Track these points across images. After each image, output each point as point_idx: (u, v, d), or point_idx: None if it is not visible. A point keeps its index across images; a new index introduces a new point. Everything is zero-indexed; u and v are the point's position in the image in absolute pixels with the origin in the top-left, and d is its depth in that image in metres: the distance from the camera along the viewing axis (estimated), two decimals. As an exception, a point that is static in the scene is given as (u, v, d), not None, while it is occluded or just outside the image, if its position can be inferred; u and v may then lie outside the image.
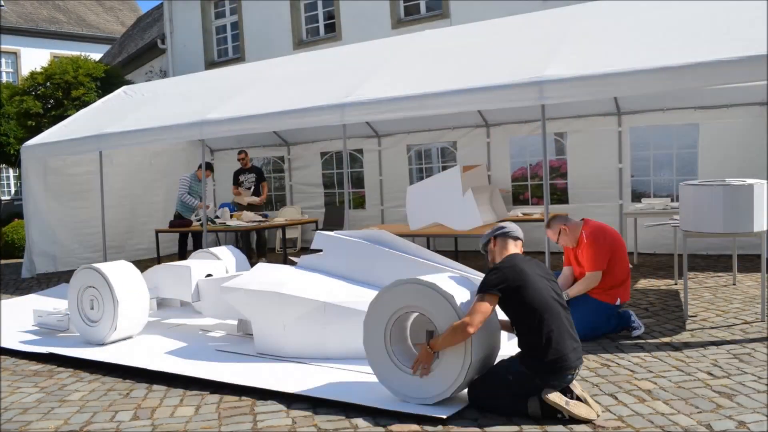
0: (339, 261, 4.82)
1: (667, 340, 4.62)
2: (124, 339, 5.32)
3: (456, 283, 3.60)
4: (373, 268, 4.66)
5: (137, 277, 5.33)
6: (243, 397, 3.86)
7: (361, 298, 4.39)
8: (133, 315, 5.22)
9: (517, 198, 9.53)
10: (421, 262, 4.51)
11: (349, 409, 3.54)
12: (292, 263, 5.14)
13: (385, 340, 3.60)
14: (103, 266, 5.28)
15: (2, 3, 24.73)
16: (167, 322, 5.92)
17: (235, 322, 5.41)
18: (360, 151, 10.61)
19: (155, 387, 4.17)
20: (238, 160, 9.97)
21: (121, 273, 5.27)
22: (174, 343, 5.16)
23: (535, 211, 8.32)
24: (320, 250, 4.95)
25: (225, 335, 5.35)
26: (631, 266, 7.64)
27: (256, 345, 4.72)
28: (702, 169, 8.21)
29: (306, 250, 8.46)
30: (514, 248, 3.69)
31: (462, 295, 3.47)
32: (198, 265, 5.85)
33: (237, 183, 9.87)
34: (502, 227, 3.78)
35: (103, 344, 5.15)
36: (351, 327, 4.34)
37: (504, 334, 3.72)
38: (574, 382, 3.37)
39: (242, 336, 5.22)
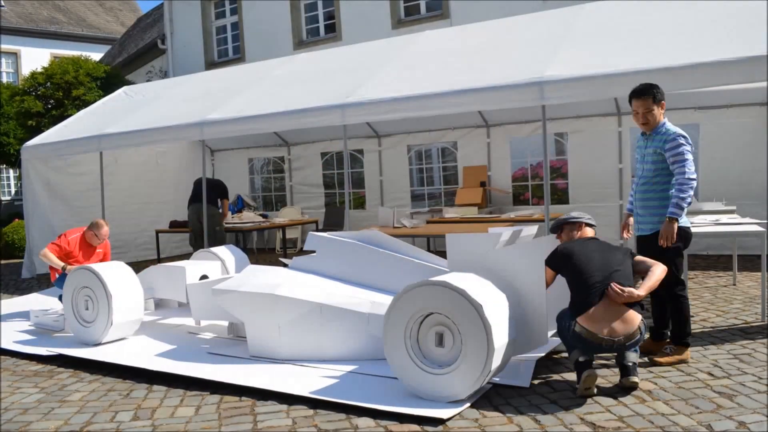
0: (332, 262, 4.80)
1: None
2: (118, 340, 5.28)
3: (483, 288, 3.58)
4: (367, 269, 4.65)
5: (131, 278, 5.29)
6: (243, 398, 3.85)
7: (358, 299, 4.38)
8: (127, 315, 5.17)
9: (518, 198, 9.53)
10: (415, 262, 4.51)
11: (349, 410, 3.53)
12: (283, 264, 5.12)
13: (405, 338, 3.62)
14: (98, 266, 5.26)
15: (2, 3, 24.73)
16: (164, 323, 5.91)
17: (224, 323, 5.35)
18: (360, 151, 10.62)
19: (155, 387, 4.17)
20: None
21: (115, 273, 5.24)
22: (170, 344, 5.12)
23: (536, 211, 8.31)
24: (313, 252, 4.93)
25: (215, 338, 5.28)
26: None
27: (250, 348, 4.66)
28: (702, 169, 8.21)
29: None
30: (579, 233, 4.12)
31: (492, 306, 3.47)
32: (193, 265, 5.83)
33: None
34: (562, 219, 4.24)
35: (97, 344, 5.13)
36: (348, 328, 4.33)
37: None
38: (631, 365, 3.59)
39: (233, 338, 5.17)
